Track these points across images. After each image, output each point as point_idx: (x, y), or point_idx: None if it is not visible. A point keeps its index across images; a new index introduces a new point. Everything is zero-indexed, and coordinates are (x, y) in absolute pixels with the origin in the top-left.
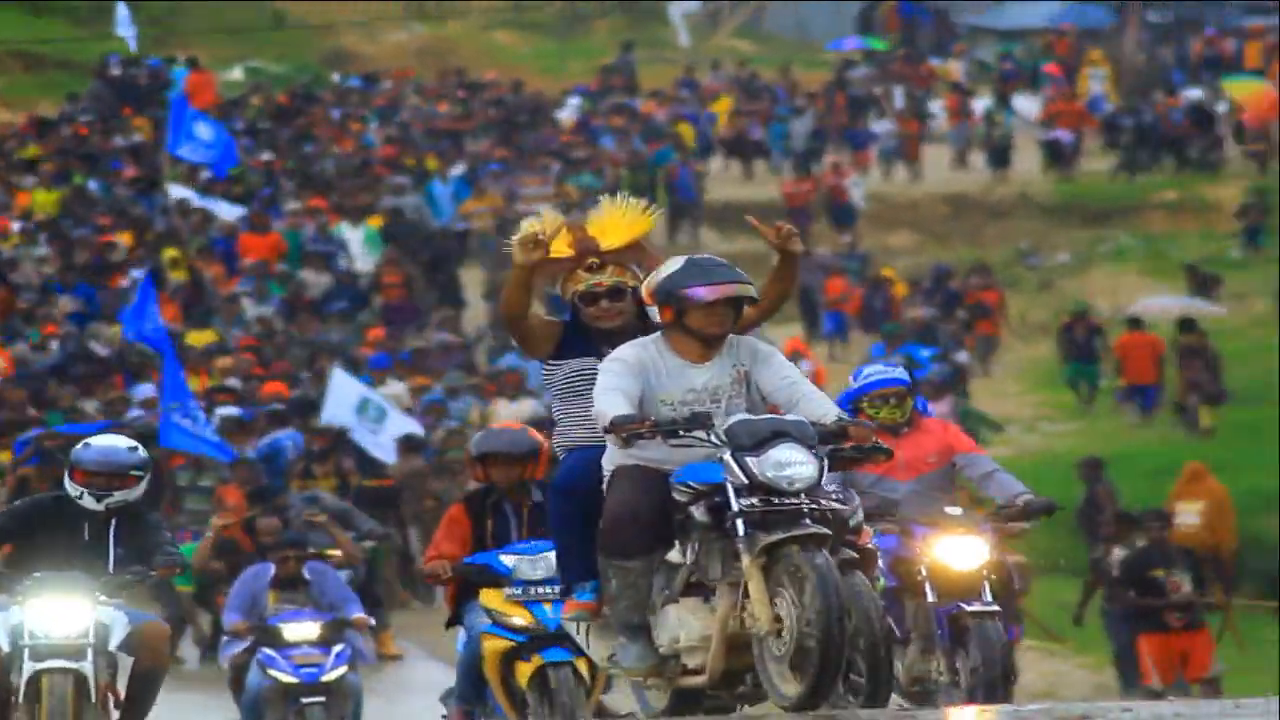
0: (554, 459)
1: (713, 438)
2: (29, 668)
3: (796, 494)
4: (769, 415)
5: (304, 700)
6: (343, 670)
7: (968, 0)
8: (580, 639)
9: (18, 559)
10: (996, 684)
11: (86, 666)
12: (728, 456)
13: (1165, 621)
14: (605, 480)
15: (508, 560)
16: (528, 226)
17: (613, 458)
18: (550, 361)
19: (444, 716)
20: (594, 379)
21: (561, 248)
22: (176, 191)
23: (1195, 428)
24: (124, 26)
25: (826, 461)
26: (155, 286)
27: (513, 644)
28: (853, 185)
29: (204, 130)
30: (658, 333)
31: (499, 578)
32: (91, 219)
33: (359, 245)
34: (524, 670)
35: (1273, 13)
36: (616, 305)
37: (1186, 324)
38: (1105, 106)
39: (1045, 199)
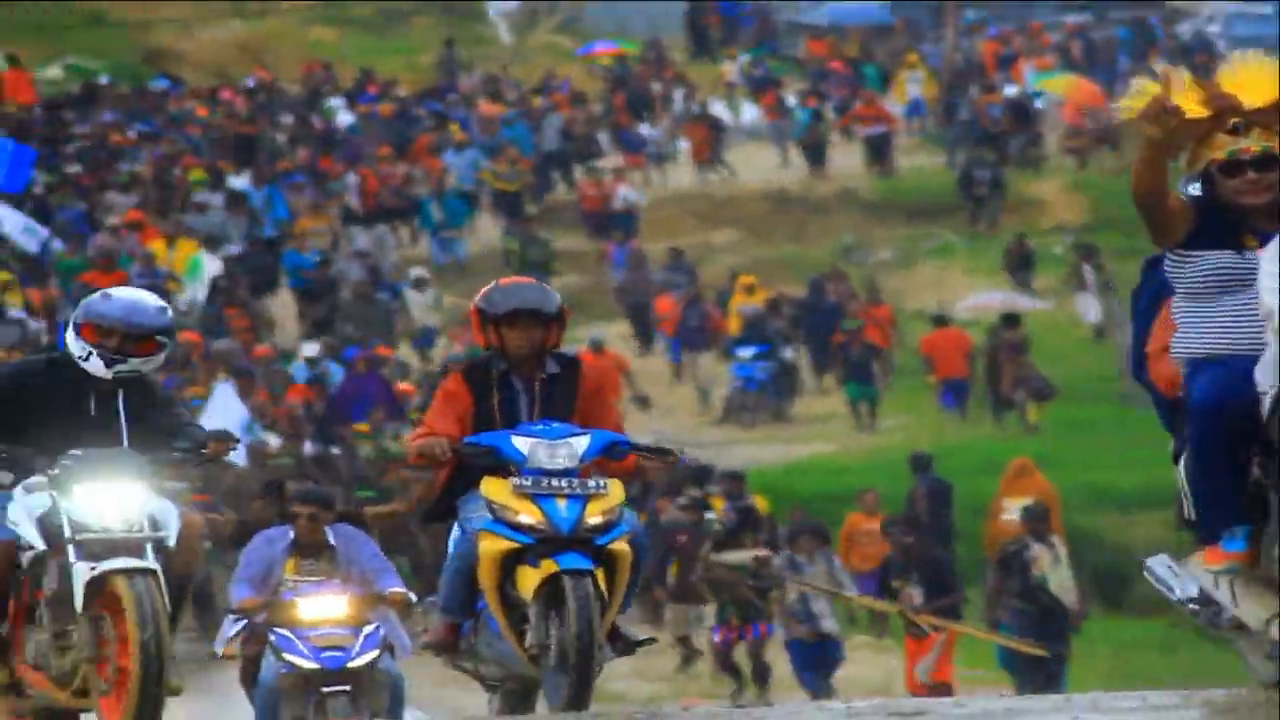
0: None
1: None
2: (81, 569)
3: None
4: None
5: (325, 690)
6: (373, 655)
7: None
8: (1222, 594)
9: (6, 433)
10: None
11: (156, 567)
12: None
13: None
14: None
15: (521, 444)
16: (1144, 90)
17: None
18: (1179, 251)
19: (423, 630)
20: (1237, 275)
21: (1193, 107)
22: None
23: (1016, 423)
24: None
25: None
26: None
27: (517, 545)
28: (624, 191)
29: None
30: None
31: (508, 464)
32: None
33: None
34: (528, 577)
35: (1086, 10)
36: (1266, 177)
37: (1009, 319)
38: (924, 110)
39: (867, 196)
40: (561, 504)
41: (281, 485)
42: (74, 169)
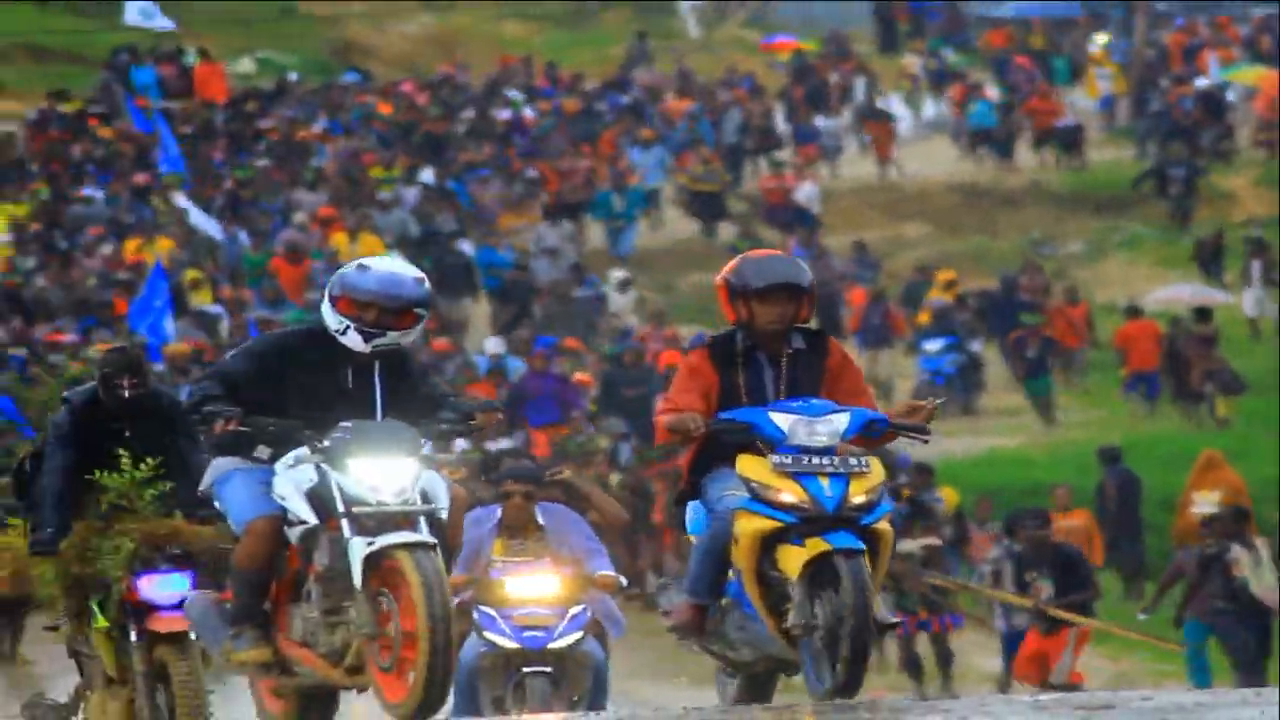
0: None
1: None
2: (358, 544)
3: None
4: None
5: (525, 671)
6: (576, 637)
7: None
8: None
9: (264, 406)
10: None
11: (435, 541)
12: None
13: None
14: None
15: (780, 420)
16: None
17: None
18: None
19: (665, 613)
20: None
21: None
22: (185, 205)
23: (1208, 417)
24: (144, 15)
25: None
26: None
27: (779, 525)
28: (804, 186)
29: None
30: None
31: (765, 442)
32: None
33: None
34: (792, 557)
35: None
36: None
37: (1201, 313)
38: (1112, 104)
39: (1056, 188)
40: (825, 482)
41: (499, 463)
42: (262, 163)
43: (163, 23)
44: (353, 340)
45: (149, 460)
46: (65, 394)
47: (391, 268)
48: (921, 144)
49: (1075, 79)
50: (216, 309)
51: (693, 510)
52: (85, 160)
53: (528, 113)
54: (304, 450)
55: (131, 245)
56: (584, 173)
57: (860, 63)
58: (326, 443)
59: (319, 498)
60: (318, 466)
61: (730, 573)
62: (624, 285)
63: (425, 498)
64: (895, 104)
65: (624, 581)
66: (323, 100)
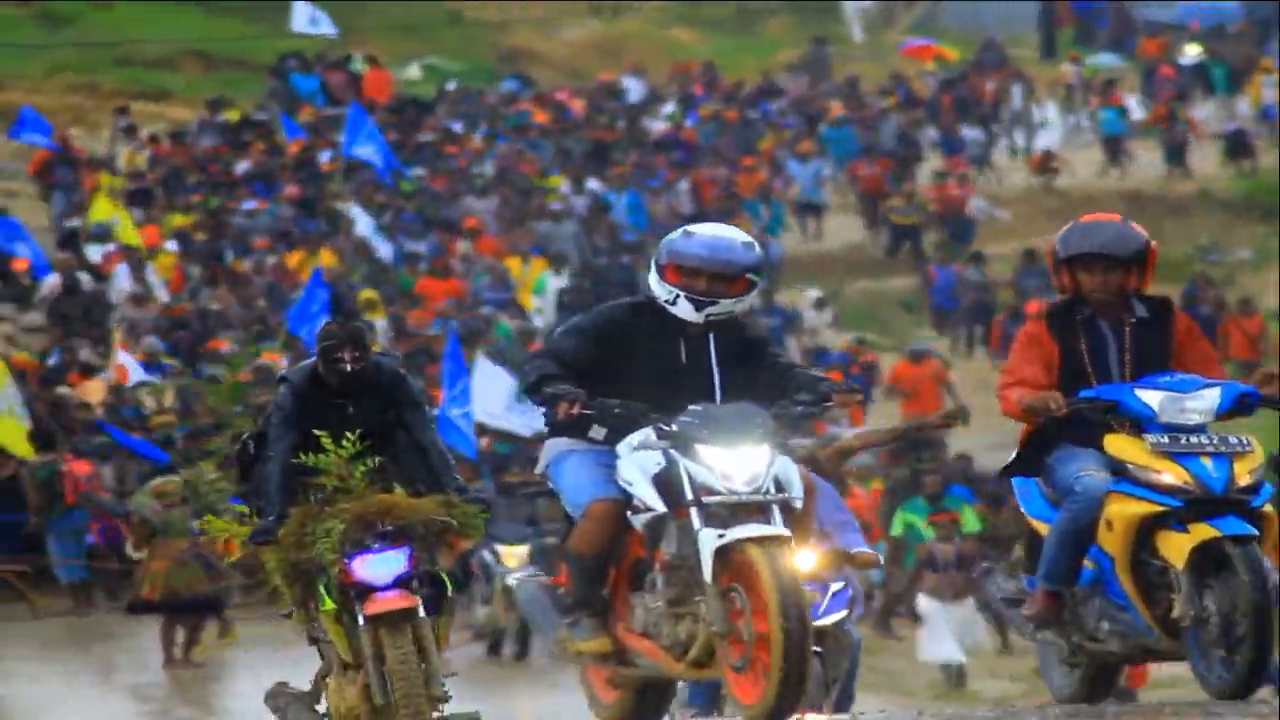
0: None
1: None
2: (708, 536)
3: None
4: None
5: None
6: (841, 614)
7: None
8: None
9: (596, 384)
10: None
11: (789, 534)
12: None
13: None
14: None
15: (1147, 397)
16: None
17: None
18: None
19: (1003, 600)
20: None
21: None
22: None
23: None
24: (312, 23)
25: None
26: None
27: (1160, 509)
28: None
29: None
30: None
31: (1130, 419)
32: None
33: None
34: (1175, 543)
35: None
36: None
37: None
38: (1275, 114)
39: (1225, 195)
40: (1208, 463)
41: None
42: (420, 173)
43: (327, 29)
44: (684, 310)
45: (349, 436)
46: (283, 372)
47: (719, 232)
48: (1083, 150)
49: (1237, 87)
50: (382, 324)
51: (1027, 488)
52: (253, 172)
53: (687, 122)
54: (648, 433)
55: (295, 258)
56: (740, 182)
57: (1015, 69)
58: (674, 427)
59: (666, 484)
60: (664, 451)
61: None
62: (820, 304)
63: (779, 486)
64: (1050, 111)
65: (880, 559)
66: (478, 108)
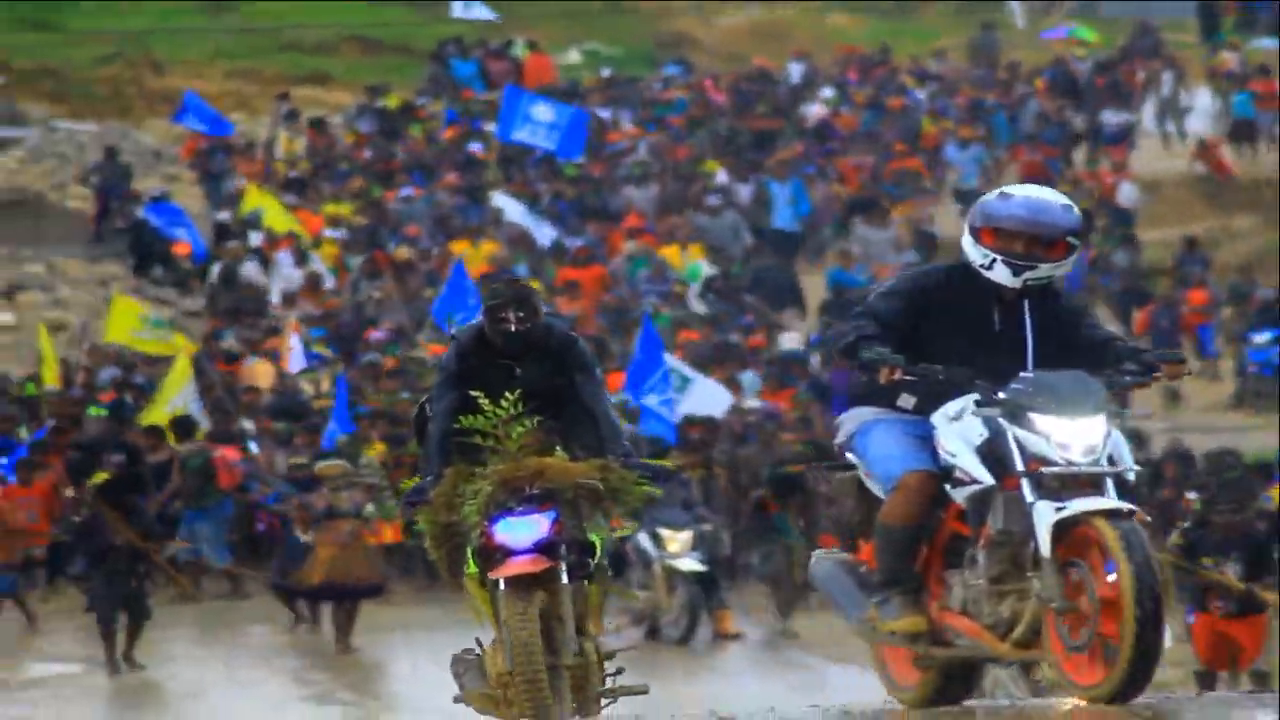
0: None
1: None
2: (1044, 509)
3: None
4: None
5: None
6: None
7: None
8: None
9: (908, 350)
10: None
11: (1135, 508)
12: None
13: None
14: None
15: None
16: None
17: None
18: None
19: None
20: None
21: None
22: (503, 203)
23: None
24: (473, 9)
25: None
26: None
27: None
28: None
29: (544, 112)
30: None
31: None
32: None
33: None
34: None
35: None
36: None
37: None
38: None
39: None
40: None
41: None
42: (580, 160)
43: (485, 15)
44: (1000, 274)
45: (508, 396)
46: (452, 331)
47: (1038, 194)
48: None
49: None
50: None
51: None
52: (410, 162)
53: (843, 109)
54: (967, 401)
55: (458, 247)
56: (888, 172)
57: (1169, 56)
58: (1003, 394)
59: (992, 455)
60: (987, 420)
61: None
62: None
63: (1112, 460)
64: (1202, 97)
65: None
66: (630, 94)
